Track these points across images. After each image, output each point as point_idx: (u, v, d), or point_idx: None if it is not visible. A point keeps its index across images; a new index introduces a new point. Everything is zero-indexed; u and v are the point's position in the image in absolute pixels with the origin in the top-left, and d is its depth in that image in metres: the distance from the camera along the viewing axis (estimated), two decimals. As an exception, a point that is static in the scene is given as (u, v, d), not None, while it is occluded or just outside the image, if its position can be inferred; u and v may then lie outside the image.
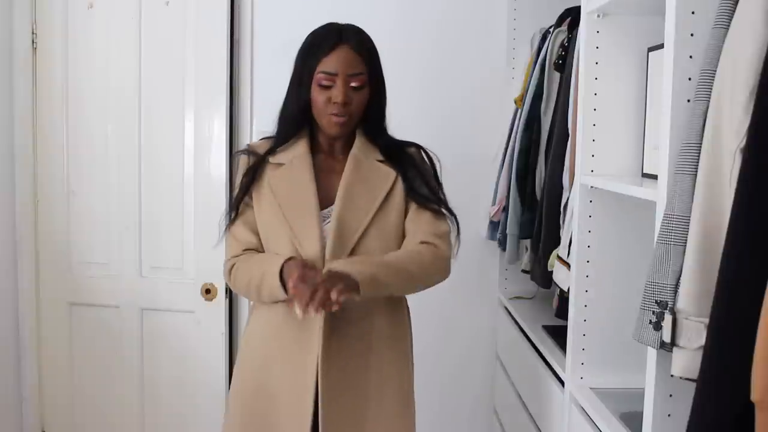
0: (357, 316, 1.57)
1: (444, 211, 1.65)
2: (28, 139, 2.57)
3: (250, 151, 1.67)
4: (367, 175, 1.62)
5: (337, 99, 1.55)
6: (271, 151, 1.64)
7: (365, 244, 1.57)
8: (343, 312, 1.49)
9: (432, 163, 1.70)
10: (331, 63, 1.56)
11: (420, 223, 1.62)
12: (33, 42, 2.56)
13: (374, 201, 1.60)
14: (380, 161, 1.64)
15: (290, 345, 1.59)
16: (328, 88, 1.56)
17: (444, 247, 1.61)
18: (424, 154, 1.70)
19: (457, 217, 1.67)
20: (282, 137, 1.65)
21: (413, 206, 1.63)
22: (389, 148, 1.66)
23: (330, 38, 1.58)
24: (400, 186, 1.63)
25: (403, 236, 1.64)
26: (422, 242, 1.60)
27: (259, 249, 1.64)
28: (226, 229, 1.67)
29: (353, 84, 1.57)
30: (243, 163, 1.67)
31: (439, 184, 1.69)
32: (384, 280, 1.50)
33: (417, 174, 1.64)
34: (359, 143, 1.65)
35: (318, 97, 1.57)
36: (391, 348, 1.63)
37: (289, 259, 1.53)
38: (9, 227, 2.56)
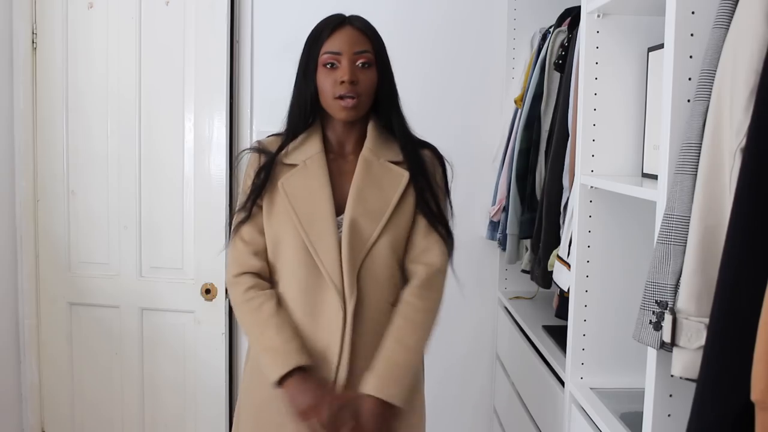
0: (375, 335, 1.53)
1: (445, 229, 1.60)
2: (29, 139, 2.57)
3: (260, 149, 1.61)
4: (378, 177, 1.56)
5: (344, 77, 1.49)
6: (283, 148, 1.58)
7: (376, 252, 1.53)
8: (363, 328, 1.51)
9: (444, 169, 1.65)
10: (335, 42, 1.52)
11: (426, 248, 1.58)
12: (33, 42, 2.56)
13: (387, 207, 1.54)
14: (392, 162, 1.58)
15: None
16: (333, 69, 1.51)
17: (444, 268, 1.59)
18: (437, 159, 1.64)
19: (454, 234, 1.64)
20: (291, 133, 1.59)
21: (422, 220, 1.58)
22: (406, 144, 1.60)
23: (333, 21, 1.55)
24: (411, 190, 1.57)
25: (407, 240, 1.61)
26: (422, 269, 1.57)
27: (265, 251, 1.58)
28: (234, 229, 1.59)
29: (359, 62, 1.52)
30: (254, 160, 1.60)
31: (448, 192, 1.65)
32: (412, 371, 1.53)
33: (426, 183, 1.59)
34: (371, 141, 1.59)
35: (324, 81, 1.52)
36: None
37: (295, 370, 1.44)
38: (9, 227, 2.56)
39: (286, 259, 1.56)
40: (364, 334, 1.53)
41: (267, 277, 1.58)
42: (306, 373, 1.46)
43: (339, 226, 1.54)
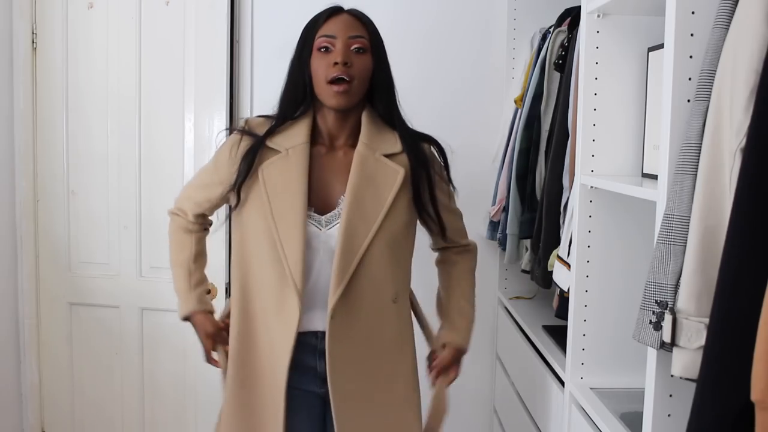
0: (365, 322, 1.54)
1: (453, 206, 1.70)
2: (29, 139, 2.57)
3: (246, 130, 1.58)
4: (373, 174, 1.54)
5: (337, 58, 1.47)
6: (271, 132, 1.55)
7: (373, 253, 1.51)
8: (350, 317, 1.51)
9: (444, 158, 1.65)
10: (330, 26, 1.52)
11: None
12: (33, 42, 2.56)
13: (381, 206, 1.53)
14: (387, 155, 1.56)
15: (271, 341, 1.56)
16: (328, 53, 1.50)
17: (468, 239, 1.81)
18: (436, 150, 1.65)
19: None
20: (282, 117, 1.57)
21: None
22: (404, 135, 1.59)
23: (330, 9, 1.56)
24: (407, 185, 1.57)
25: (409, 237, 1.62)
26: (454, 247, 1.76)
27: (203, 213, 1.71)
28: (195, 182, 1.73)
29: (354, 46, 1.50)
30: (234, 142, 1.58)
31: (450, 179, 1.66)
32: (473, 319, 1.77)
33: (426, 180, 1.59)
34: (366, 134, 1.56)
35: (318, 64, 1.50)
36: (398, 352, 1.61)
37: (199, 313, 1.71)
38: (9, 227, 2.56)
39: (254, 250, 1.55)
40: (352, 335, 1.53)
41: (204, 215, 1.74)
42: (201, 314, 1.72)
43: (328, 223, 1.53)
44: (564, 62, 1.92)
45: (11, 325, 2.59)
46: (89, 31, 2.54)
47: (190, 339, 2.55)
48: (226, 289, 2.51)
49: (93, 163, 2.57)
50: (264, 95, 2.55)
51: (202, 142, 2.50)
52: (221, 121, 2.48)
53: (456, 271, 1.76)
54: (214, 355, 1.73)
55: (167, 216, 1.77)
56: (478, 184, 2.58)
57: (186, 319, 1.73)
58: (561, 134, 1.87)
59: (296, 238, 1.49)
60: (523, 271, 2.29)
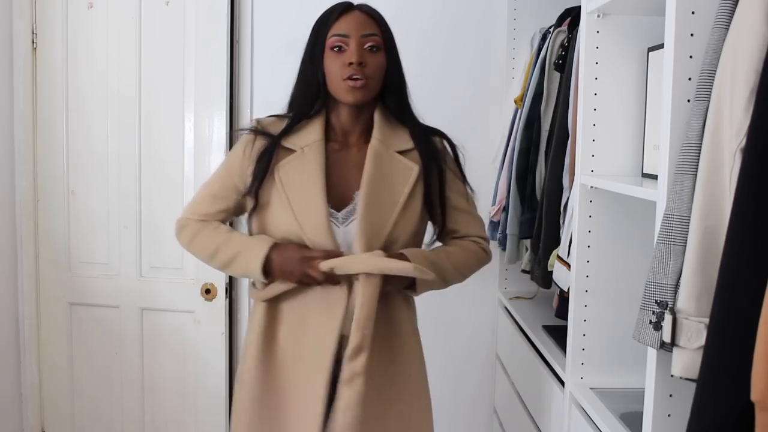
0: (382, 315, 1.52)
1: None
2: (29, 139, 2.57)
3: (258, 130, 1.56)
4: (387, 170, 1.54)
5: (352, 58, 1.46)
6: (286, 132, 1.54)
7: (389, 248, 1.50)
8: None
9: (455, 154, 1.64)
10: (342, 25, 1.50)
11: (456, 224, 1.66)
12: (33, 42, 2.56)
13: (397, 201, 1.52)
14: (400, 152, 1.56)
15: (309, 341, 1.53)
16: (341, 52, 1.49)
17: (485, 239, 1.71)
18: (448, 145, 1.64)
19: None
20: (297, 117, 1.55)
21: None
22: (416, 131, 1.58)
23: (341, 6, 1.54)
24: (420, 182, 1.56)
25: (421, 233, 1.62)
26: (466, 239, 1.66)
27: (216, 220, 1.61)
28: (206, 191, 1.63)
29: (368, 45, 1.49)
30: (247, 142, 1.56)
31: (464, 176, 1.65)
32: (441, 267, 1.56)
33: (437, 174, 1.57)
34: (379, 130, 1.56)
35: (332, 64, 1.50)
36: (409, 345, 1.61)
37: (275, 244, 1.49)
38: (9, 227, 2.56)
39: None
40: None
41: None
42: (278, 243, 1.51)
43: (345, 219, 1.53)
44: (564, 62, 1.92)
45: (11, 325, 2.59)
46: (89, 31, 2.54)
47: (189, 339, 2.57)
48: (227, 289, 2.51)
49: (93, 163, 2.57)
50: (264, 95, 2.56)
51: (202, 142, 2.50)
52: (221, 121, 2.48)
53: (452, 242, 1.65)
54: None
55: (170, 222, 1.69)
56: (478, 184, 2.56)
57: (266, 264, 1.49)
58: (561, 134, 1.87)
59: (326, 240, 1.48)
60: (523, 271, 2.29)
